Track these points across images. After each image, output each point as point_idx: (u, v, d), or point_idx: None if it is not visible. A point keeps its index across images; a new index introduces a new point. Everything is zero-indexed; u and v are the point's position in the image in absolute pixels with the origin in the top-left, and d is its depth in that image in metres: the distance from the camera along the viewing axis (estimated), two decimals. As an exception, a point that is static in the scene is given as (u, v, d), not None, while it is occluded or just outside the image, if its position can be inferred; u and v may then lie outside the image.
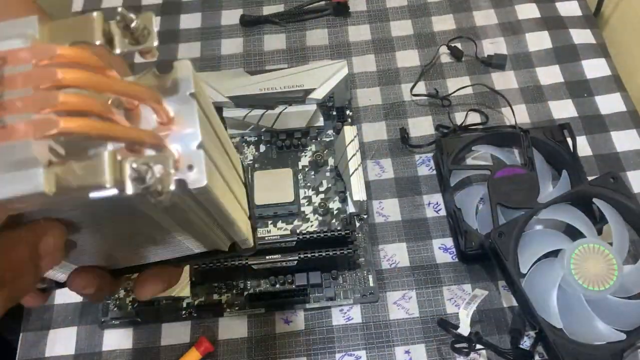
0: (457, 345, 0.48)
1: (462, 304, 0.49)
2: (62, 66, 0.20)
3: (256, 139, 0.62)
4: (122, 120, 0.23)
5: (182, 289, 0.53)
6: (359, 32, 0.71)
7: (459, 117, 0.63)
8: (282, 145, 0.61)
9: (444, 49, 0.68)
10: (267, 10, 0.73)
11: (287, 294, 0.53)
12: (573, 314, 0.48)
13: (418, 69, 0.67)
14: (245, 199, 0.33)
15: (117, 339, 0.53)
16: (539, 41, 0.68)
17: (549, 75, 0.66)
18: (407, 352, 0.51)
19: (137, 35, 0.22)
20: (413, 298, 0.53)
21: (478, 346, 0.48)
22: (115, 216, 0.25)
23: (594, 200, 0.51)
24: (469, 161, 0.59)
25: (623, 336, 0.47)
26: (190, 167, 0.22)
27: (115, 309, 0.53)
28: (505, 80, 0.66)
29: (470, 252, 0.52)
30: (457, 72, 0.67)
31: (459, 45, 0.68)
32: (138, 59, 0.70)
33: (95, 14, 0.22)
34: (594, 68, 0.66)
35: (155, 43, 0.23)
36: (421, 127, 0.63)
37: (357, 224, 0.57)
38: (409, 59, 0.68)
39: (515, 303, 0.52)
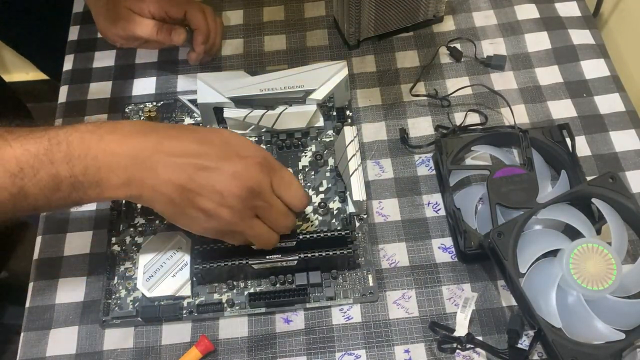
0: (444, 346, 0.49)
1: (459, 308, 0.50)
2: None
3: (256, 139, 0.62)
4: None
5: (183, 288, 0.53)
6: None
7: (459, 118, 0.63)
8: (283, 146, 0.61)
9: (443, 50, 0.68)
10: (268, 12, 0.73)
11: (287, 293, 0.53)
12: (572, 313, 0.48)
13: (418, 70, 0.67)
14: None
15: (118, 338, 0.53)
16: (538, 42, 0.68)
17: (548, 75, 0.66)
18: (407, 351, 0.51)
19: None
20: (413, 297, 0.54)
21: (475, 347, 0.48)
22: None
23: (593, 200, 0.52)
24: (469, 161, 0.60)
25: (622, 335, 0.47)
26: None
27: (117, 308, 0.54)
28: (504, 81, 0.66)
29: (469, 252, 0.53)
30: (457, 72, 0.67)
31: (458, 45, 0.68)
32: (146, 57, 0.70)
33: None
34: (593, 68, 0.66)
35: None
36: (421, 127, 0.63)
37: (357, 224, 0.57)
38: (408, 59, 0.68)
39: (514, 302, 0.52)
